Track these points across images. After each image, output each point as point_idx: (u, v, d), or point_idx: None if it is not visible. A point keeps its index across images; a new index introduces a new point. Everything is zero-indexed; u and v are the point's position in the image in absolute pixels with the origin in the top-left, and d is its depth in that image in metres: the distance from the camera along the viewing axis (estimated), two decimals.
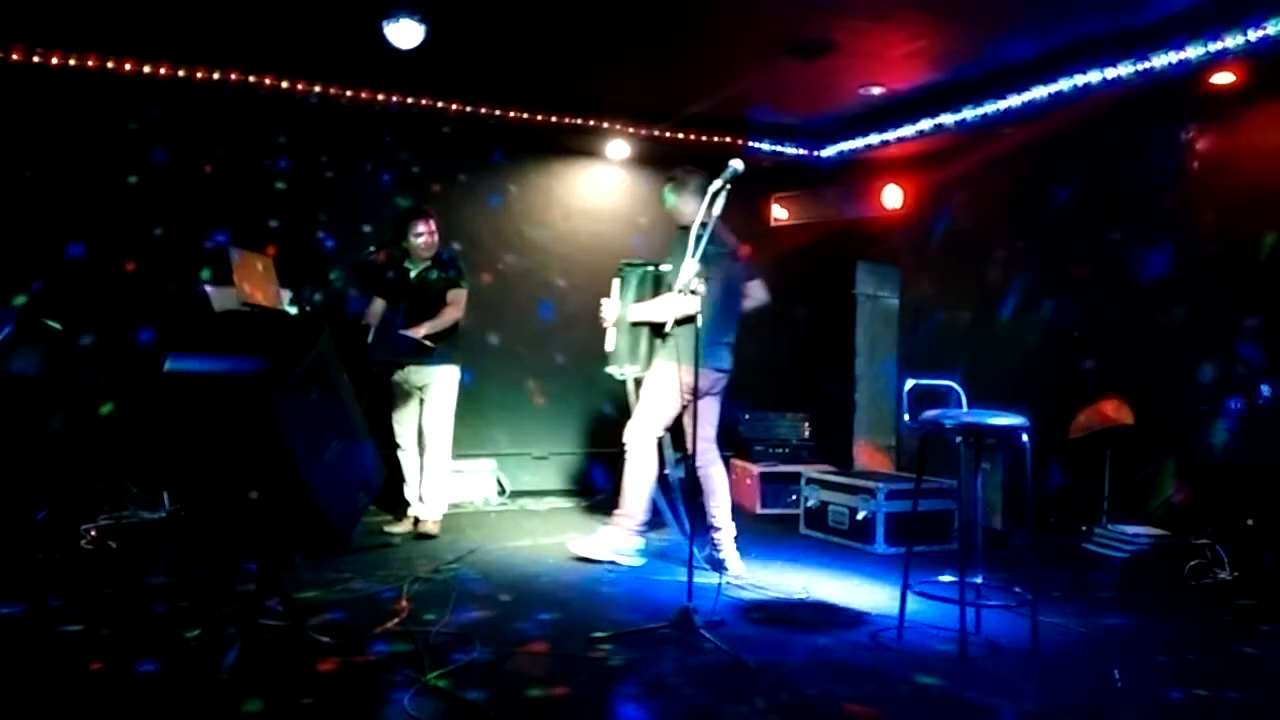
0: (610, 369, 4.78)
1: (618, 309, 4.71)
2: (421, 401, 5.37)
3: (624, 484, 4.70)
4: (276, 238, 6.06)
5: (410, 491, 5.44)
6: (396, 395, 5.39)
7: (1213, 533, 4.73)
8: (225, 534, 4.46)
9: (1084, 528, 5.31)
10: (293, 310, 5.08)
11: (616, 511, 4.76)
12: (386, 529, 5.35)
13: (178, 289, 5.47)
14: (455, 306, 5.30)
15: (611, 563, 4.73)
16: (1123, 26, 4.96)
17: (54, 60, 5.28)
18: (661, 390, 4.60)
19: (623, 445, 4.70)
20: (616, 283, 4.78)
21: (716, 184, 3.74)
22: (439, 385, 5.34)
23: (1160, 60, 4.96)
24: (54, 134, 5.65)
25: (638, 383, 4.77)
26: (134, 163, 5.84)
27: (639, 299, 4.68)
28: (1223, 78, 4.97)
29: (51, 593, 3.93)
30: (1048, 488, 5.56)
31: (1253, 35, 4.58)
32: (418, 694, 2.95)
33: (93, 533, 4.79)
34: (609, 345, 4.75)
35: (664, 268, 4.68)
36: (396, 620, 3.68)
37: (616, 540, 4.74)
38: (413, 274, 5.41)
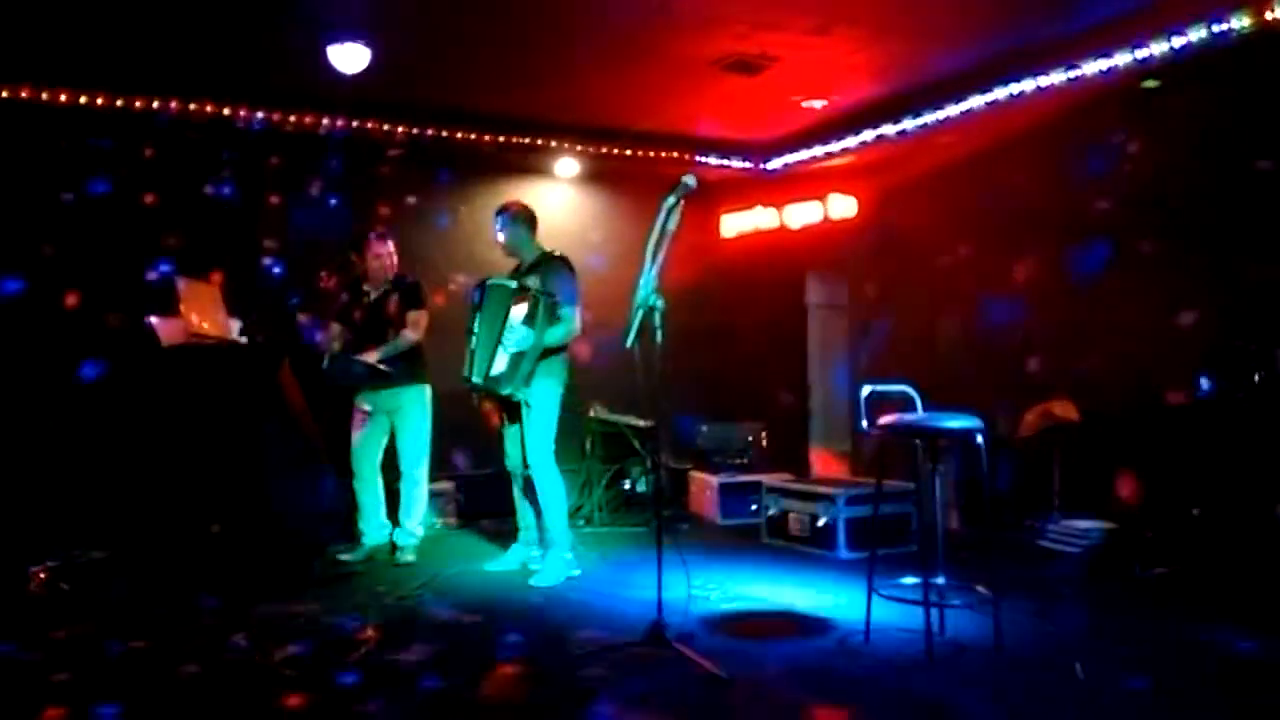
0: (506, 390, 4.76)
1: (522, 334, 4.70)
2: (393, 425, 5.31)
3: (545, 507, 4.85)
4: (222, 266, 5.96)
5: (366, 520, 5.36)
6: (357, 421, 5.32)
7: (1160, 524, 4.87)
8: (184, 569, 4.38)
9: (1036, 524, 5.43)
10: (242, 340, 5.01)
11: (547, 538, 4.89)
12: (342, 557, 5.25)
13: (122, 321, 5.34)
14: (414, 328, 5.27)
15: (569, 578, 4.80)
16: (1053, 35, 5.13)
17: None
18: (551, 410, 4.84)
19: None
20: (522, 309, 4.74)
21: (670, 200, 3.77)
22: (411, 407, 5.30)
23: (1090, 67, 5.14)
24: None
25: (502, 402, 4.92)
26: (73, 194, 5.70)
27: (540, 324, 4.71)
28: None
29: (1, 638, 3.81)
30: (1000, 486, 5.68)
31: (1176, 42, 4.77)
32: None
33: (41, 575, 4.64)
34: (500, 366, 4.76)
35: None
36: (363, 650, 3.63)
37: (560, 560, 4.85)
38: (371, 297, 5.37)
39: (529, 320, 4.70)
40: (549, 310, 4.73)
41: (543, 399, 4.81)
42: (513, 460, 5.02)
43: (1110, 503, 5.29)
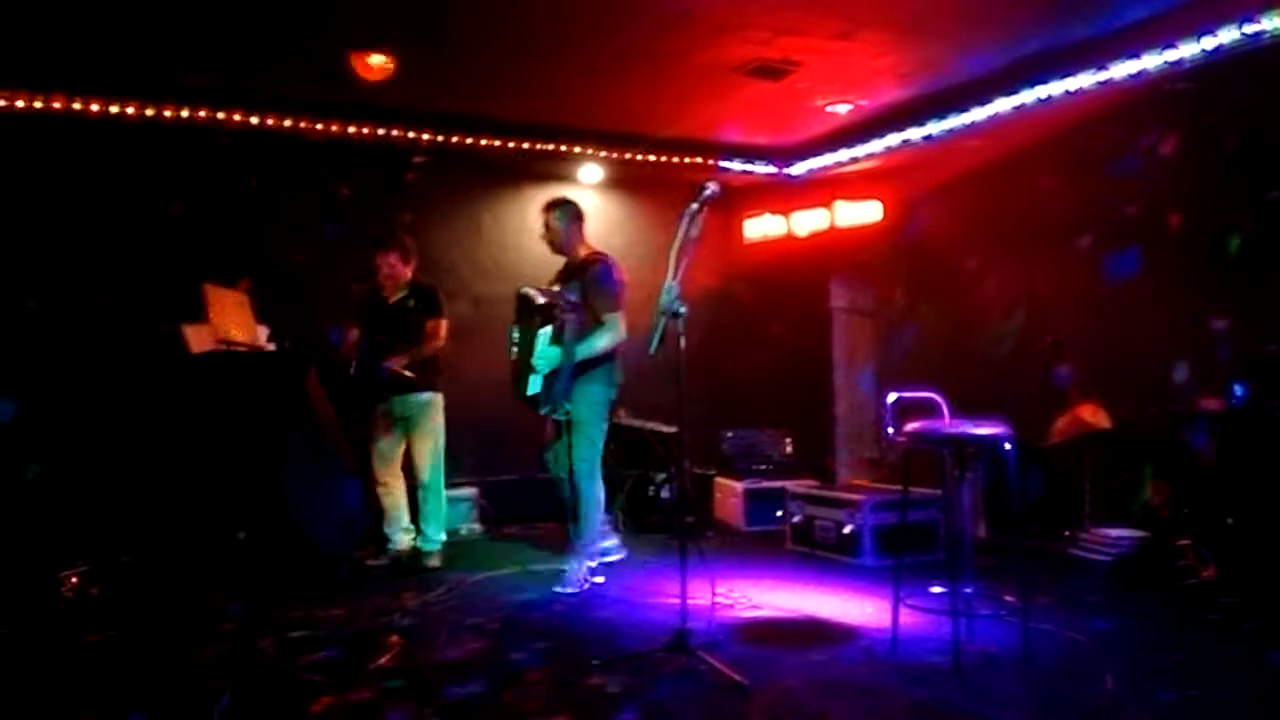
0: (545, 410, 4.75)
1: (550, 356, 4.65)
2: (407, 433, 5.34)
3: (581, 513, 4.79)
4: (251, 273, 6.03)
5: (391, 526, 5.39)
6: (377, 428, 5.35)
7: (1193, 533, 4.79)
8: (212, 574, 4.43)
9: (1067, 533, 5.36)
10: (271, 346, 5.06)
11: (579, 543, 4.83)
12: (368, 562, 5.27)
13: (153, 329, 5.42)
14: (436, 336, 5.30)
15: (593, 584, 4.79)
16: (1081, 38, 5.08)
17: (19, 103, 5.24)
18: (597, 418, 4.78)
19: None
20: (548, 331, 4.69)
21: (693, 206, 3.76)
22: (425, 414, 5.32)
23: (1119, 70, 5.08)
24: (20, 176, 5.59)
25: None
26: (104, 203, 5.79)
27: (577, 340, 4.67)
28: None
29: (35, 643, 3.86)
30: (1029, 494, 5.61)
31: (1207, 44, 4.70)
32: None
33: (73, 579, 4.70)
34: (535, 386, 4.73)
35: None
36: (389, 655, 3.65)
37: (586, 566, 4.82)
38: (390, 303, 5.41)
39: (556, 339, 4.65)
40: (575, 329, 4.65)
41: (587, 408, 4.75)
42: (556, 465, 4.99)
43: (1142, 511, 5.22)
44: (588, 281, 4.75)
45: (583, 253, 4.93)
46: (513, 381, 4.93)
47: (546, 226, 4.96)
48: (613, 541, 5.23)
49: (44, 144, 5.61)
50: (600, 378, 4.77)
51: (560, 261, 5.05)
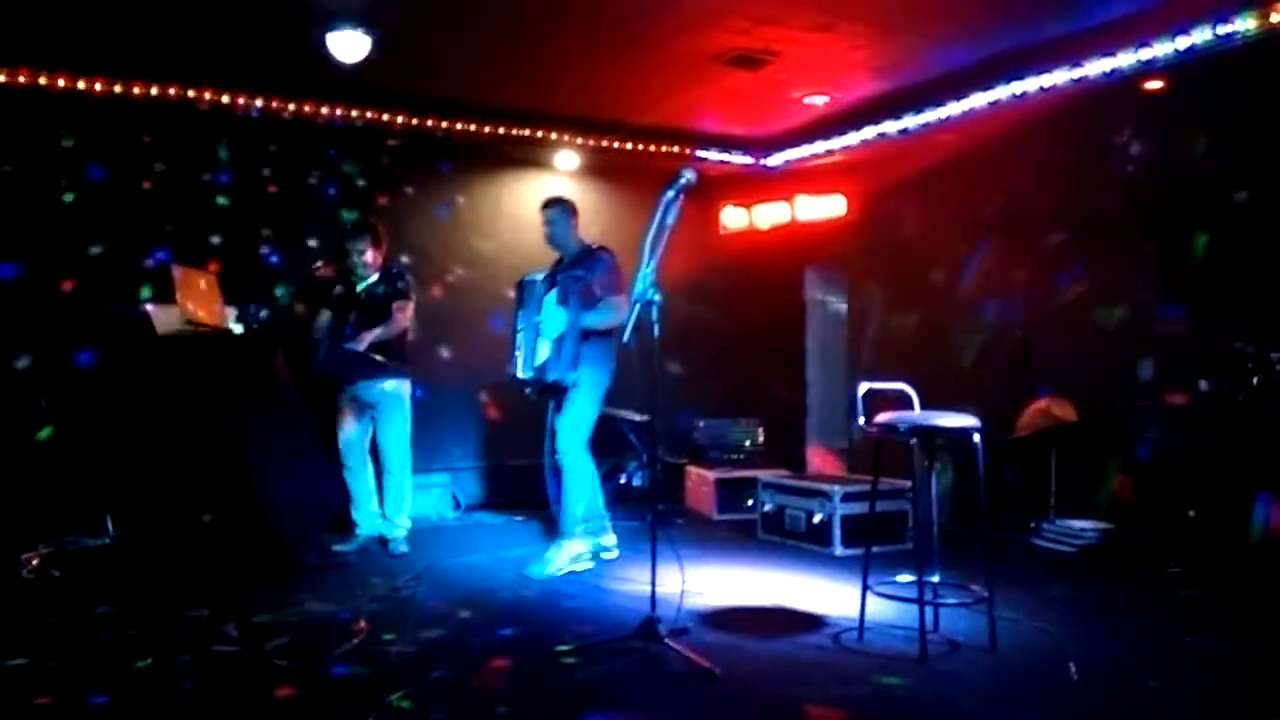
0: (554, 376, 4.75)
1: (557, 317, 4.71)
2: (373, 418, 5.30)
3: (566, 494, 4.81)
4: (219, 254, 5.96)
5: (358, 511, 5.35)
6: (344, 413, 5.31)
7: (1156, 526, 4.86)
8: (176, 558, 4.37)
9: (1033, 524, 5.43)
10: (238, 328, 4.99)
11: (563, 525, 4.85)
12: (336, 548, 5.23)
13: (118, 309, 5.33)
14: (402, 317, 5.27)
15: (570, 571, 4.78)
16: (1057, 35, 5.11)
17: None
18: (593, 397, 4.82)
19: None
20: (553, 294, 4.77)
21: (669, 194, 3.75)
22: (391, 400, 5.28)
23: (1092, 68, 5.12)
24: None
25: (545, 391, 4.88)
26: (70, 180, 5.68)
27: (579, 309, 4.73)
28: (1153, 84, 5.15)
29: None
30: (997, 485, 5.66)
31: (1181, 43, 4.75)
32: (380, 716, 2.90)
33: (34, 561, 4.63)
34: (544, 354, 4.76)
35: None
36: (355, 641, 3.62)
37: (569, 551, 4.82)
38: (360, 288, 5.36)
39: (562, 303, 4.70)
40: (580, 293, 4.70)
41: (585, 384, 4.77)
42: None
43: (1107, 503, 5.29)
44: (591, 268, 4.83)
45: (580, 246, 5.02)
46: (515, 366, 4.90)
47: (545, 223, 5.04)
48: (610, 539, 5.17)
49: (6, 118, 5.49)
50: (599, 359, 4.80)
51: (550, 258, 5.12)
